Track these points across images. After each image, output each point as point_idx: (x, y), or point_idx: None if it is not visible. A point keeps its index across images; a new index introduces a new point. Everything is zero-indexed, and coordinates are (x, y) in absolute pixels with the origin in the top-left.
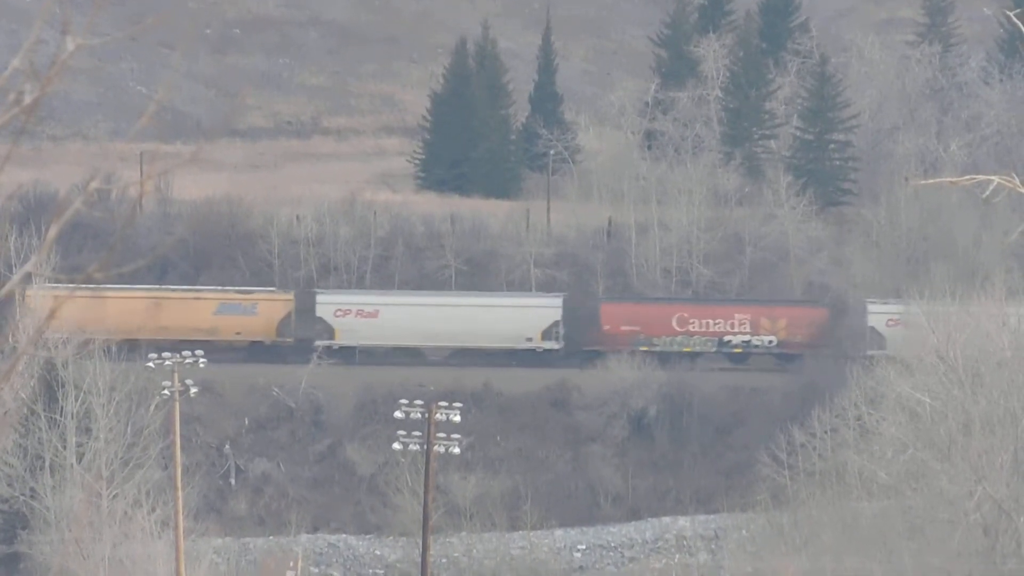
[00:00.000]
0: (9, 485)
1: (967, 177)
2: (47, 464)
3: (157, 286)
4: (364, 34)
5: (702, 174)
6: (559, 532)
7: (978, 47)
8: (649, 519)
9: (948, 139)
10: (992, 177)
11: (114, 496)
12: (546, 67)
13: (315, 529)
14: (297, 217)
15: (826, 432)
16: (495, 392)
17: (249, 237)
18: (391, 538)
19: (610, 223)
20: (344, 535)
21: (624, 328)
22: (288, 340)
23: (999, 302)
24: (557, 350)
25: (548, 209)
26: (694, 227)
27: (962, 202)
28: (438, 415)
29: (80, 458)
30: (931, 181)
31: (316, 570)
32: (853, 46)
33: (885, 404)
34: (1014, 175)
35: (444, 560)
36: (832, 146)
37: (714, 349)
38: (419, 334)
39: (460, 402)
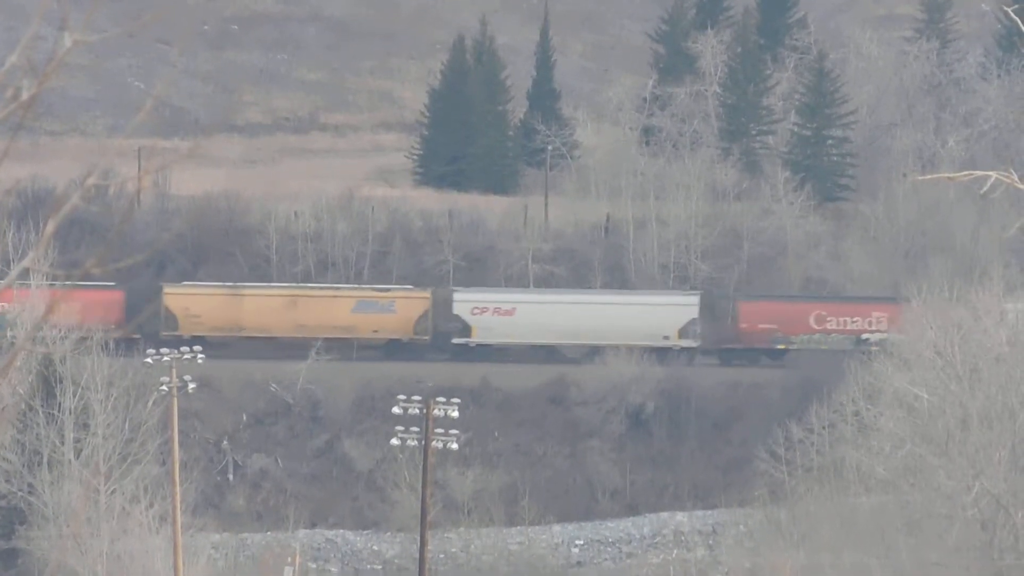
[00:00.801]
0: (7, 481)
1: (965, 173)
2: (45, 460)
3: (295, 284)
4: (362, 30)
5: (700, 169)
6: (557, 527)
7: (976, 43)
8: (647, 514)
9: (946, 135)
10: (990, 173)
11: (112, 492)
12: (544, 63)
13: (313, 524)
14: (295, 213)
15: (824, 427)
16: (493, 387)
17: (247, 232)
18: (389, 533)
19: (608, 219)
20: (342, 530)
21: (761, 326)
22: (425, 338)
23: (997, 297)
24: (695, 348)
25: (546, 205)
26: (692, 222)
27: (960, 197)
28: (436, 411)
29: (78, 454)
30: (929, 177)
31: (314, 565)
32: (851, 42)
33: (883, 399)
34: (1012, 170)
35: (442, 555)
36: (830, 142)
37: (851, 347)
38: (556, 332)
39: (458, 397)
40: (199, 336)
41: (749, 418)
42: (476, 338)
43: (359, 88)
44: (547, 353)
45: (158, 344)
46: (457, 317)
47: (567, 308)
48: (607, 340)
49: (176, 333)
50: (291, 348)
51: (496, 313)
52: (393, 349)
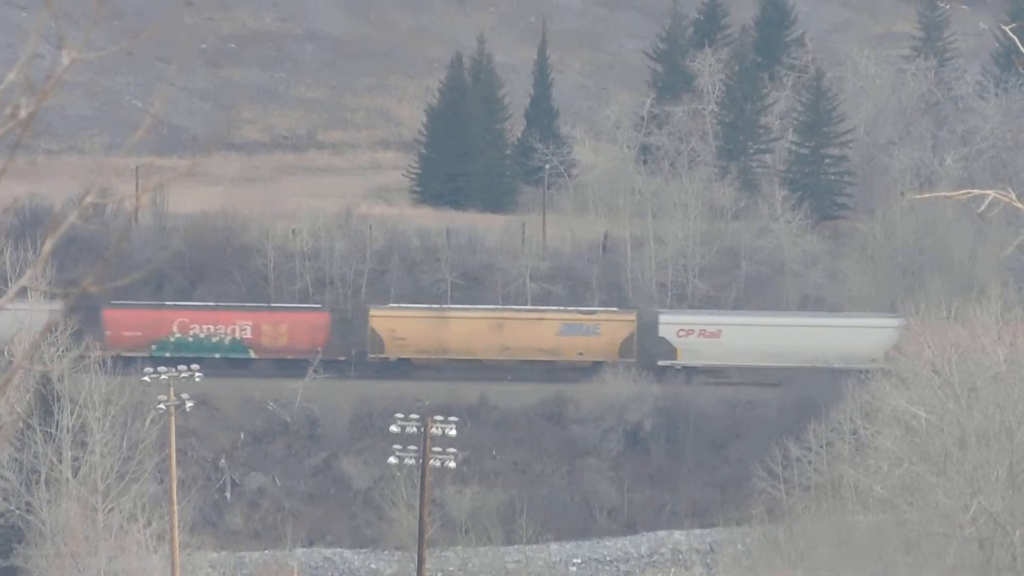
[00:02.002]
0: (5, 499)
1: (963, 191)
2: (43, 478)
3: (500, 307)
4: (360, 48)
5: (698, 188)
6: (555, 546)
7: (974, 61)
8: (645, 533)
9: (944, 153)
10: (988, 191)
11: (110, 510)
12: (542, 81)
13: (311, 543)
14: (293, 231)
15: (822, 446)
16: (491, 406)
17: (245, 251)
18: (387, 552)
19: (606, 237)
20: (340, 549)
21: None
22: (630, 360)
23: (995, 316)
24: None
25: (544, 223)
26: (689, 241)
27: (958, 216)
28: (434, 429)
29: (76, 472)
30: (927, 195)
31: None
32: (849, 60)
33: (881, 418)
34: (1010, 189)
35: (440, 574)
36: (828, 160)
37: None
38: (761, 354)
39: (456, 416)
40: (405, 359)
41: (747, 436)
42: (681, 360)
43: (357, 106)
44: (751, 374)
45: (365, 367)
46: (663, 340)
47: (775, 331)
48: (813, 362)
49: (382, 356)
50: (495, 371)
51: (702, 335)
52: (595, 371)
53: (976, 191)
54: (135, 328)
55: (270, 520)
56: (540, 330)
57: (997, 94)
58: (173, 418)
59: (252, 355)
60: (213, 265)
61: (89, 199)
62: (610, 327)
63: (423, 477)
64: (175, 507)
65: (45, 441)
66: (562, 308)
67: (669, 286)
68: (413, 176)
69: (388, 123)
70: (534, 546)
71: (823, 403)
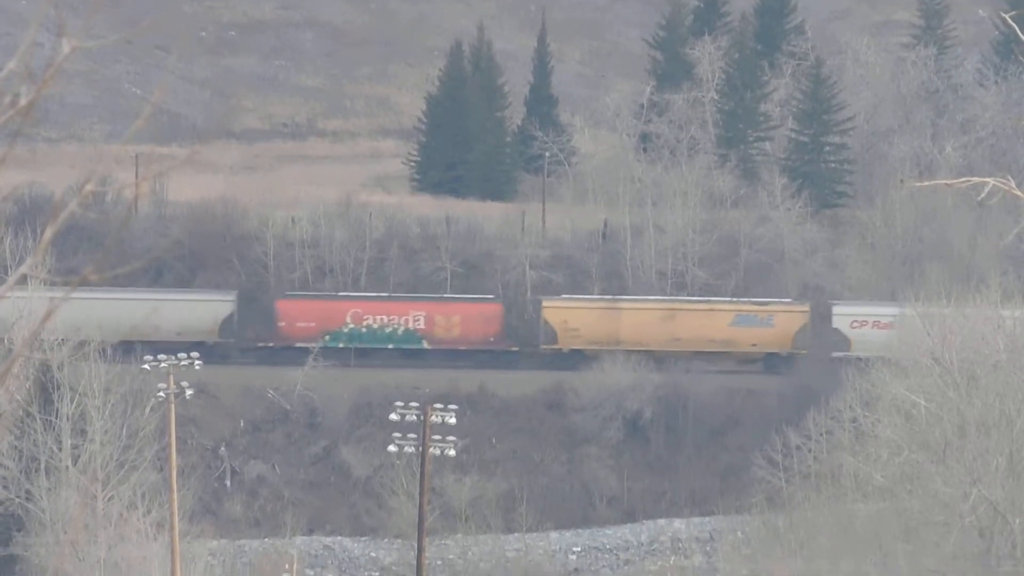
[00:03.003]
0: (4, 487)
1: (962, 179)
2: (42, 466)
3: (672, 297)
4: (360, 36)
5: (697, 176)
6: (554, 534)
7: (973, 49)
8: (644, 521)
9: (943, 141)
10: (987, 179)
11: (109, 498)
12: (541, 69)
13: (310, 531)
14: (292, 219)
15: (821, 434)
16: (490, 394)
17: (244, 239)
18: (386, 540)
19: (605, 225)
20: (339, 537)
21: None
22: (803, 351)
23: (994, 304)
24: None
25: (543, 211)
26: (689, 229)
27: (957, 204)
28: (433, 417)
29: (75, 460)
30: (926, 183)
31: (311, 572)
32: (848, 48)
33: (880, 406)
34: (1009, 177)
35: (439, 562)
36: (827, 148)
37: None
38: None
39: (455, 404)
40: (577, 350)
41: (746, 425)
42: (855, 351)
43: (357, 95)
44: None
45: (540, 358)
46: (836, 331)
47: None
48: None
49: (555, 347)
50: (665, 361)
51: (876, 327)
52: (770, 363)
53: (976, 179)
54: (309, 319)
55: (270, 508)
56: (712, 321)
57: (997, 82)
58: (173, 406)
59: (425, 345)
60: (213, 253)
61: (89, 187)
62: (784, 318)
63: (423, 465)
64: (175, 495)
65: (45, 429)
66: (735, 299)
67: (669, 274)
68: (413, 164)
69: (388, 111)
70: (534, 534)
71: (823, 391)
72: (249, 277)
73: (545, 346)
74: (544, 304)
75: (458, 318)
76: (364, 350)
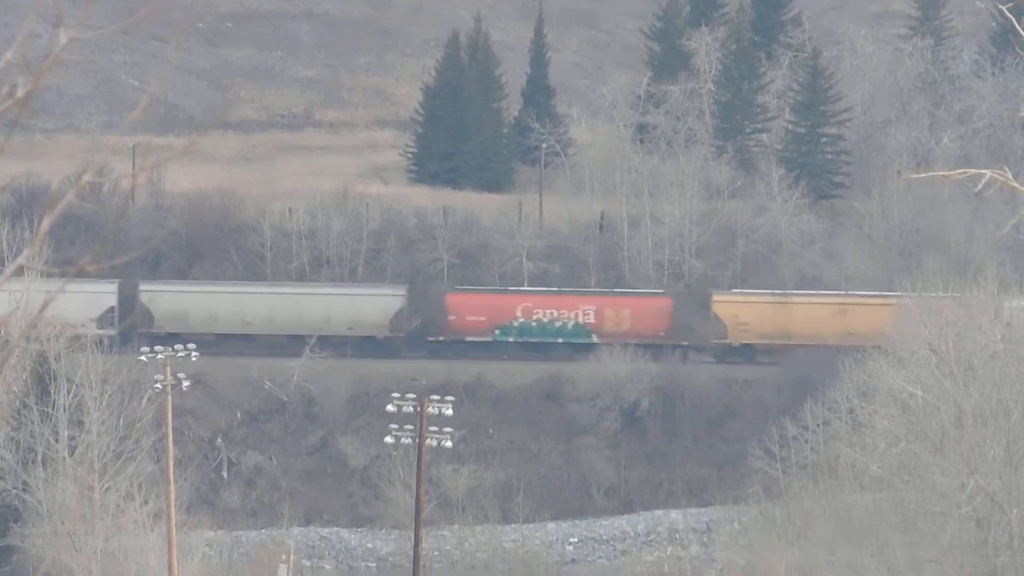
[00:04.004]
0: (1, 478)
1: (959, 170)
2: (39, 457)
3: (844, 292)
4: (357, 27)
5: (694, 167)
6: (551, 525)
7: (970, 40)
8: (641, 512)
9: (940, 132)
10: (984, 171)
11: (106, 489)
12: (538, 60)
13: (307, 522)
14: (289, 210)
15: (818, 425)
16: (487, 384)
17: (241, 230)
18: (383, 531)
19: (602, 216)
20: (336, 528)
21: None
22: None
23: (991, 295)
24: None
25: (540, 202)
26: (686, 220)
27: (954, 195)
28: (430, 408)
29: (72, 451)
30: (923, 174)
31: (308, 563)
32: (845, 39)
33: (877, 397)
34: (1006, 168)
35: (436, 553)
36: (824, 139)
37: None
38: None
39: (452, 395)
40: (747, 344)
41: (743, 415)
42: None
43: (354, 85)
44: None
45: (708, 353)
46: None
47: None
48: None
49: (725, 341)
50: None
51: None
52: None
53: (973, 170)
54: (479, 313)
55: (267, 499)
56: (886, 315)
57: (994, 73)
58: (170, 397)
59: (595, 340)
60: (210, 244)
61: (86, 178)
62: None
63: (419, 456)
64: (172, 486)
65: (42, 420)
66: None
67: (666, 265)
68: (410, 155)
69: (385, 102)
70: (531, 525)
71: (820, 382)
72: (247, 268)
73: (716, 340)
74: (714, 298)
75: (628, 312)
76: (533, 344)
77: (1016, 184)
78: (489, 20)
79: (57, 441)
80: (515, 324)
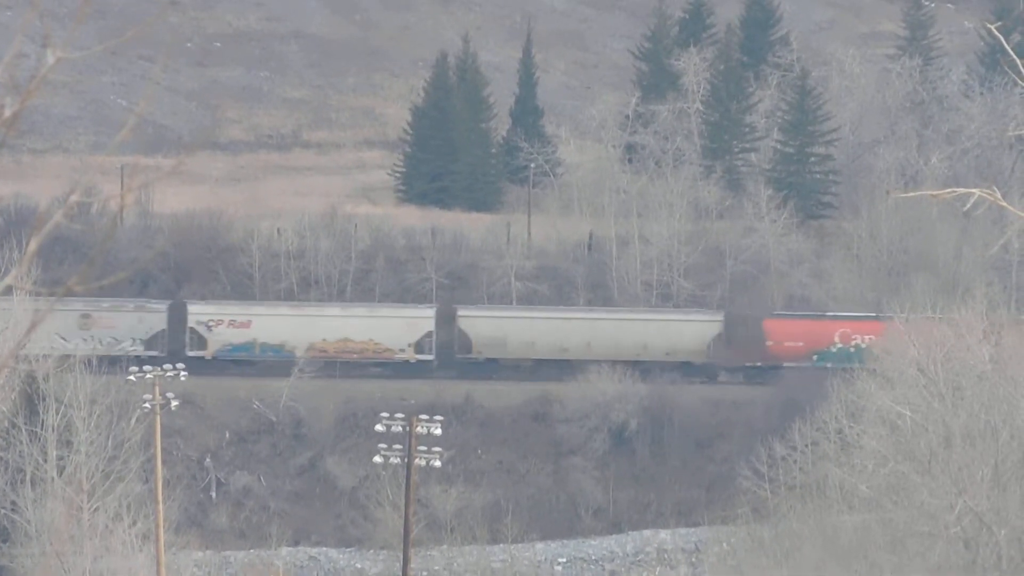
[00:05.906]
0: None
1: (948, 190)
2: (28, 477)
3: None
4: (345, 48)
5: (683, 187)
6: (540, 545)
7: (959, 60)
8: (630, 532)
9: (929, 152)
10: (973, 190)
11: (95, 509)
12: (527, 80)
13: (296, 542)
14: (278, 230)
15: (807, 445)
16: (476, 405)
17: (230, 250)
18: (372, 551)
19: (591, 236)
20: (325, 548)
21: None
22: None
23: (980, 315)
24: None
25: (529, 222)
26: (675, 240)
27: (943, 215)
28: (419, 428)
29: (61, 471)
30: (912, 194)
31: None
32: (834, 59)
33: (866, 417)
34: (995, 188)
35: (425, 573)
36: (813, 159)
37: None
38: None
39: (441, 415)
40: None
41: (732, 436)
42: None
43: (342, 106)
44: None
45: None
46: None
47: None
48: None
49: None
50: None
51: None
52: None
53: (961, 190)
54: (797, 338)
55: (255, 519)
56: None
57: (982, 93)
58: (158, 417)
59: None
60: (198, 264)
61: (74, 198)
62: None
63: (408, 476)
64: (160, 506)
65: (30, 440)
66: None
67: (654, 285)
68: (398, 175)
69: (373, 122)
70: (519, 545)
71: (808, 402)
72: (235, 288)
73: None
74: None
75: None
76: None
77: (1005, 203)
78: (477, 41)
79: (46, 461)
80: (833, 350)
